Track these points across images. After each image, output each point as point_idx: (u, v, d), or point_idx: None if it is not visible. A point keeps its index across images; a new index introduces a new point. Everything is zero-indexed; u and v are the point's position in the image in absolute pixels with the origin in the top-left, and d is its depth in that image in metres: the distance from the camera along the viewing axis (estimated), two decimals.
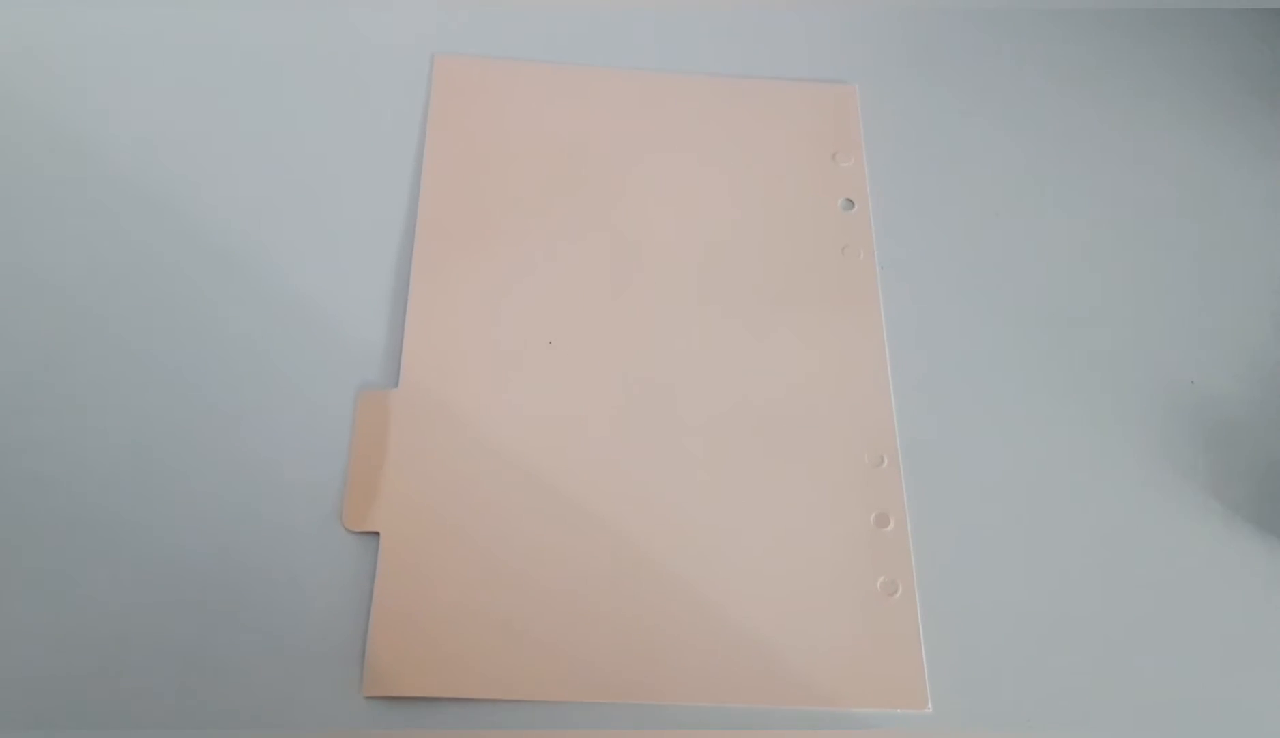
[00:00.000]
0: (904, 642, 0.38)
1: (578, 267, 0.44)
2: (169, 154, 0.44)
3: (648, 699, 0.36)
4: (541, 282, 0.43)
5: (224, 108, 0.46)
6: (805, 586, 0.38)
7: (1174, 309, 0.45)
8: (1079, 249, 0.46)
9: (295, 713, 0.35)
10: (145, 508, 0.38)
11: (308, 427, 0.39)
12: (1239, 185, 0.48)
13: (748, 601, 0.38)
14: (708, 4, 0.51)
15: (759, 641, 0.37)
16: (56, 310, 0.41)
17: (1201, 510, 0.41)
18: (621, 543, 0.38)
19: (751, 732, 0.36)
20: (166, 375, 0.40)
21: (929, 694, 0.37)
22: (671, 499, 0.39)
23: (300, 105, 0.46)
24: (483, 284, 0.43)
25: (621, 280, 0.44)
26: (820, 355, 0.43)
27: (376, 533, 0.38)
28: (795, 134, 0.48)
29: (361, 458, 0.39)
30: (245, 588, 0.36)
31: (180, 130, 0.45)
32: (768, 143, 0.48)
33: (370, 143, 0.46)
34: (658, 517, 0.39)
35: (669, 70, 0.49)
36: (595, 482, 0.39)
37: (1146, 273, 0.46)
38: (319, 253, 0.43)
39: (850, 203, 0.46)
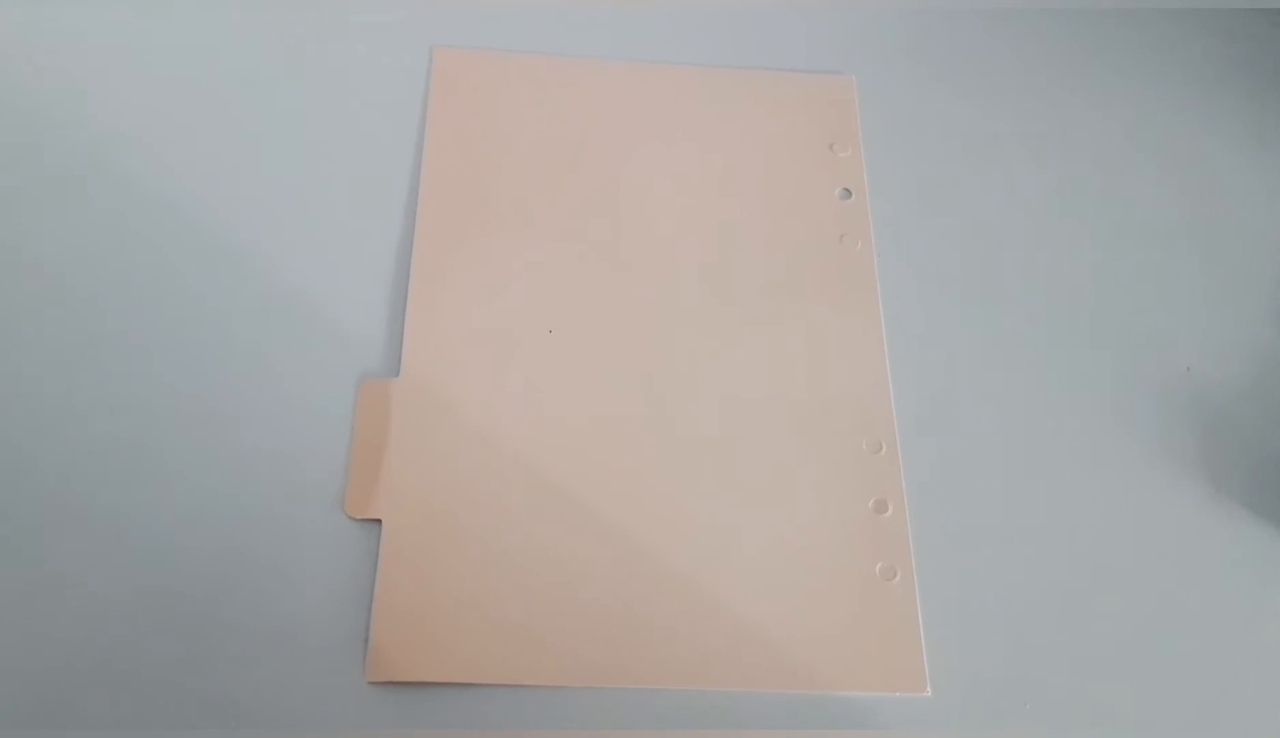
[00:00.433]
0: (903, 626, 0.38)
1: (577, 256, 0.44)
2: (168, 148, 0.45)
3: (648, 684, 0.36)
4: (541, 271, 0.43)
5: (223, 101, 0.46)
6: (804, 571, 0.38)
7: (1171, 297, 0.45)
8: (1076, 238, 0.46)
9: (299, 699, 0.35)
10: (148, 499, 0.38)
11: (309, 416, 0.40)
12: (1236, 175, 0.49)
13: (747, 587, 0.38)
14: None
15: (758, 626, 0.37)
16: (56, 305, 0.41)
17: (1197, 496, 0.41)
18: (620, 529, 0.39)
19: (752, 716, 0.36)
20: (167, 367, 0.40)
21: (928, 678, 0.37)
22: (670, 487, 0.40)
23: (300, 98, 0.47)
24: (483, 274, 0.43)
25: (621, 270, 0.44)
26: (818, 343, 0.43)
27: (378, 520, 0.38)
28: (793, 124, 0.48)
29: (363, 447, 0.39)
30: (248, 576, 0.37)
31: (178, 124, 0.45)
32: (765, 133, 0.48)
33: (370, 135, 0.46)
34: (656, 504, 0.39)
35: (667, 62, 0.50)
36: (594, 469, 0.40)
37: (1143, 261, 0.46)
38: (319, 243, 0.43)
39: (848, 192, 0.46)
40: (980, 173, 0.48)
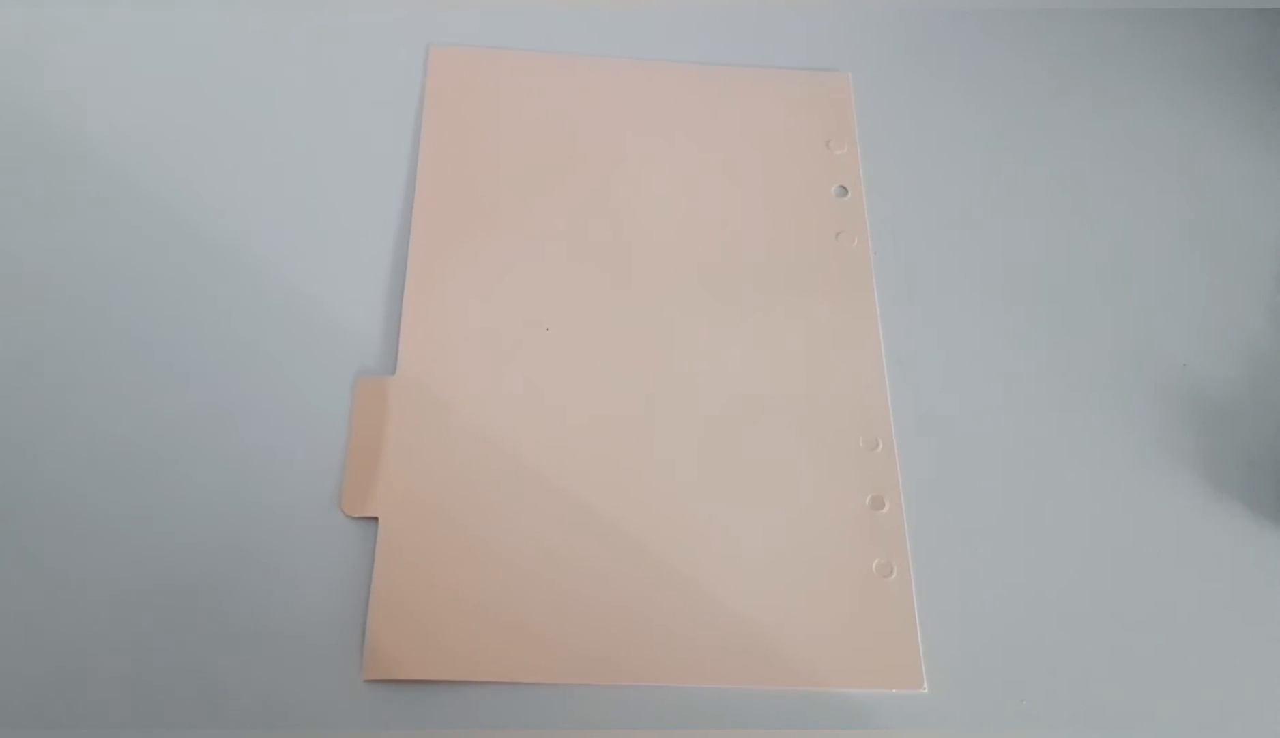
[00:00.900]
0: (899, 622, 0.38)
1: (574, 254, 0.44)
2: (164, 146, 0.45)
3: (644, 681, 0.36)
4: (538, 269, 0.43)
5: (219, 99, 0.46)
6: (801, 567, 0.38)
7: (1168, 294, 0.45)
8: (1073, 235, 0.46)
9: (295, 698, 0.35)
10: (144, 497, 0.38)
11: (306, 414, 0.40)
12: (1233, 173, 0.49)
13: (744, 583, 0.38)
14: None
15: (756, 623, 0.37)
16: (54, 303, 0.41)
17: (1195, 493, 0.41)
18: (617, 526, 0.39)
19: (749, 713, 0.36)
20: (164, 366, 0.40)
21: (924, 675, 0.37)
22: (667, 484, 0.40)
23: (296, 96, 0.47)
24: (480, 271, 0.43)
25: (617, 267, 0.44)
26: (815, 340, 0.43)
27: (375, 518, 0.38)
28: (789, 122, 0.48)
29: (360, 444, 0.39)
30: (246, 574, 0.37)
31: (175, 122, 0.45)
32: (762, 131, 0.48)
33: (366, 133, 0.46)
34: (653, 500, 0.39)
35: (663, 59, 0.50)
36: (590, 466, 0.40)
37: (1140, 258, 0.46)
38: (315, 241, 0.43)
39: (844, 189, 0.46)
40: (977, 170, 0.48)
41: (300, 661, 0.35)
